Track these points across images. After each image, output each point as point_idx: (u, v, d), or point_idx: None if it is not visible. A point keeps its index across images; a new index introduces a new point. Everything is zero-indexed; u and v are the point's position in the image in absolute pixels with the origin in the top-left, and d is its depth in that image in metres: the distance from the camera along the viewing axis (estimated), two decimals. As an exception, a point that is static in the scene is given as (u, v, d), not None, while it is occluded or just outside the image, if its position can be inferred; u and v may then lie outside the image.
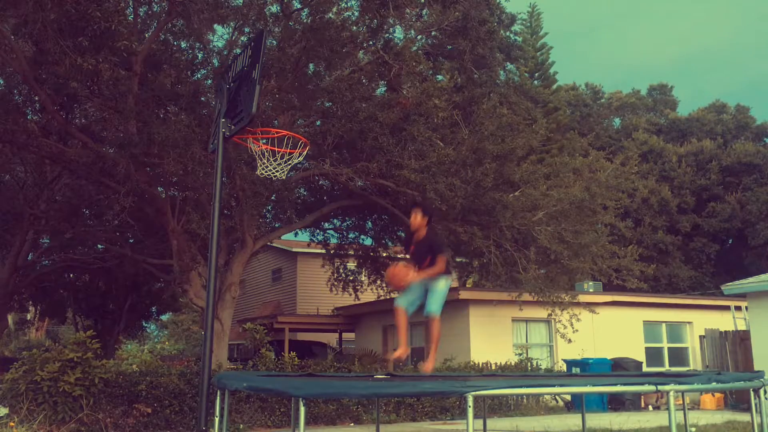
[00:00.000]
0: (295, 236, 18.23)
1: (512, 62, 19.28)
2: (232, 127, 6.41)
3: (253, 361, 12.57)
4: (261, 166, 6.73)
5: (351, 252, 18.25)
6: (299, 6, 12.29)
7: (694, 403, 15.73)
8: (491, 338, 16.93)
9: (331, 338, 25.48)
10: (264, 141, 6.65)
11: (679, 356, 19.26)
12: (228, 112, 6.53)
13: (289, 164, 6.77)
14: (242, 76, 6.47)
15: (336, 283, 18.29)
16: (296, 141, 6.78)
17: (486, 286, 18.88)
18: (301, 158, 6.86)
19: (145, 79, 11.34)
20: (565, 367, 16.00)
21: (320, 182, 16.19)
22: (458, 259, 17.83)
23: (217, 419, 6.19)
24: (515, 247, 13.95)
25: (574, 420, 11.62)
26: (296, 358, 12.37)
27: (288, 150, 6.64)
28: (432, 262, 6.41)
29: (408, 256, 6.79)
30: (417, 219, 6.63)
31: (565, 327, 15.17)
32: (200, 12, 10.38)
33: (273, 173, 6.74)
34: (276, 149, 6.59)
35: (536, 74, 35.99)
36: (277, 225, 16.25)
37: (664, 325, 19.31)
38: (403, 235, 6.87)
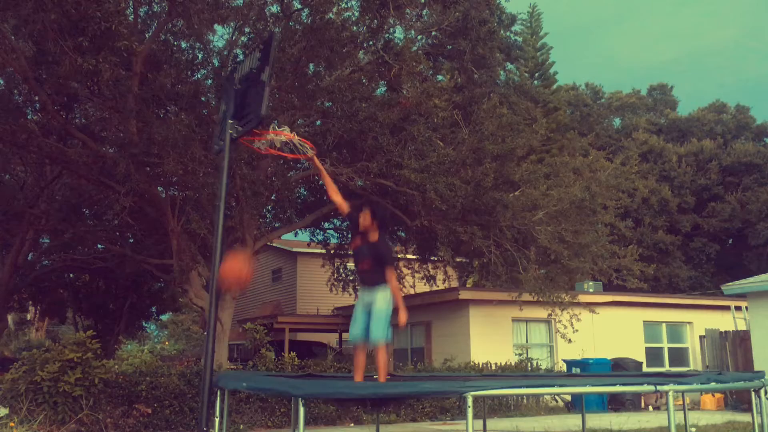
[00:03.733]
0: (295, 236, 18.23)
1: (512, 62, 19.27)
2: (240, 129, 6.39)
3: (253, 362, 12.58)
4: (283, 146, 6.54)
5: (351, 252, 18.23)
6: (299, 6, 12.29)
7: (694, 403, 15.74)
8: (491, 338, 16.93)
9: (331, 338, 25.48)
10: (268, 144, 6.61)
11: (679, 356, 19.26)
12: (235, 114, 6.50)
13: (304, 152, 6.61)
14: (250, 77, 6.46)
15: (336, 283, 18.29)
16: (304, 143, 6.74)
17: (486, 286, 18.89)
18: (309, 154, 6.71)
19: (145, 79, 11.33)
20: (565, 368, 16.00)
21: (320, 182, 16.18)
22: (458, 259, 17.84)
23: (217, 419, 6.19)
24: (515, 247, 13.95)
25: (574, 420, 11.63)
26: (296, 358, 12.38)
27: (295, 156, 6.61)
28: (373, 268, 5.95)
29: (351, 251, 6.26)
30: (366, 220, 6.07)
31: (565, 327, 15.17)
32: (200, 12, 10.37)
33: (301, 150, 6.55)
34: (283, 154, 6.56)
35: (536, 74, 36.00)
36: (277, 225, 16.25)
37: (664, 325, 19.31)
38: (351, 225, 6.10)
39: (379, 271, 5.97)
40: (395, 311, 5.91)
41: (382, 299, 5.86)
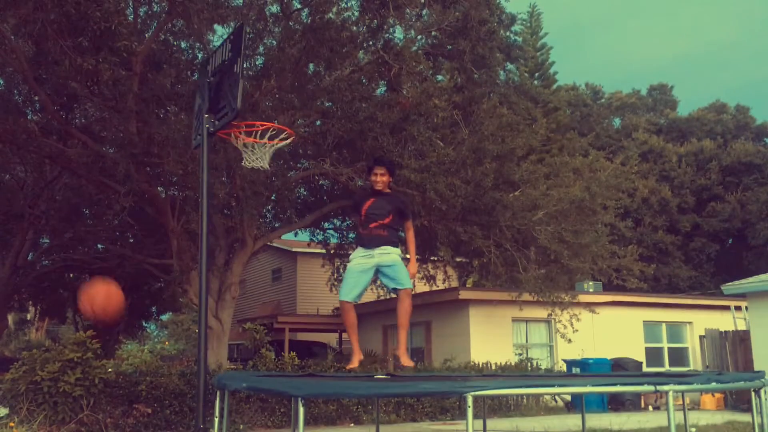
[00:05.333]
0: (295, 236, 18.23)
1: (512, 62, 19.27)
2: (216, 122, 6.37)
3: (253, 361, 12.56)
4: (246, 158, 6.70)
5: (351, 252, 18.24)
6: (299, 6, 12.29)
7: (694, 403, 15.73)
8: (491, 338, 16.93)
9: (331, 338, 25.48)
10: (250, 134, 6.63)
11: (679, 356, 19.25)
12: (211, 107, 6.47)
13: (272, 149, 6.69)
14: (223, 70, 6.41)
15: (336, 283, 18.28)
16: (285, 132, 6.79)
17: (486, 286, 18.89)
18: (284, 144, 6.78)
19: (145, 79, 11.33)
20: (565, 367, 16.00)
21: (320, 182, 16.20)
22: (458, 259, 17.84)
23: (216, 419, 6.18)
24: (515, 247, 13.95)
25: (574, 420, 11.62)
26: (296, 358, 12.37)
27: (275, 141, 6.64)
28: (392, 222, 5.85)
29: (361, 217, 6.01)
30: (385, 176, 5.94)
31: (565, 327, 15.17)
32: (200, 12, 10.36)
33: (258, 163, 6.68)
34: (260, 141, 6.57)
35: (536, 74, 36.02)
36: (277, 225, 16.25)
37: (664, 325, 19.30)
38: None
39: (395, 227, 5.92)
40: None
41: (396, 254, 5.87)
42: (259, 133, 6.55)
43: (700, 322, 18.95)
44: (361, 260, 5.91)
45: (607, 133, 40.03)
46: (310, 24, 11.61)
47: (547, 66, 36.13)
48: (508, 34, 17.09)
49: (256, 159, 6.58)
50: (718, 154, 36.65)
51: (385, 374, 8.52)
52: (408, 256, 6.35)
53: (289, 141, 6.69)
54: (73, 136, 12.82)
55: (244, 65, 7.83)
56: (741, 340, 16.25)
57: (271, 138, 6.58)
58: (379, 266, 5.87)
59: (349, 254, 19.36)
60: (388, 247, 5.87)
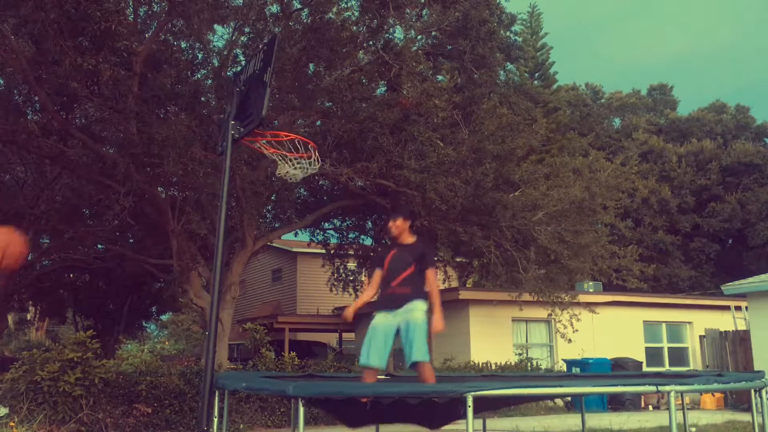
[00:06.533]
0: (295, 236, 18.23)
1: (512, 62, 19.32)
2: (242, 129, 6.42)
3: (253, 361, 12.56)
4: (280, 167, 6.68)
5: (351, 252, 18.25)
6: (299, 6, 12.29)
7: (694, 402, 15.73)
8: (491, 338, 16.93)
9: (331, 338, 25.48)
10: (269, 143, 6.65)
11: (679, 356, 19.26)
12: (237, 115, 6.53)
13: (308, 168, 6.70)
14: (253, 79, 6.49)
15: (336, 283, 18.29)
16: (304, 143, 6.79)
17: (486, 286, 18.87)
18: (317, 165, 6.78)
19: (145, 79, 11.33)
20: (565, 367, 15.99)
21: (320, 182, 16.19)
22: (458, 259, 17.84)
23: (216, 419, 6.18)
24: (515, 247, 13.95)
25: (574, 420, 11.62)
26: (296, 358, 12.36)
27: (302, 155, 6.65)
28: (416, 274, 5.53)
29: (383, 269, 5.68)
30: (397, 224, 5.72)
31: (565, 327, 15.17)
32: (200, 12, 10.36)
33: (293, 175, 6.67)
34: (287, 153, 6.59)
35: (536, 74, 35.97)
36: (277, 225, 16.25)
37: (664, 325, 19.31)
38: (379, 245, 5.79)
39: (420, 278, 5.56)
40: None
41: (421, 311, 5.48)
42: (286, 150, 6.56)
43: (700, 322, 18.95)
44: (384, 318, 5.56)
45: (607, 133, 40.02)
46: (310, 24, 11.61)
47: (547, 66, 36.08)
48: (508, 34, 17.13)
49: (292, 169, 6.56)
50: (718, 154, 36.62)
51: (385, 374, 8.53)
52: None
53: (317, 168, 6.67)
54: (73, 136, 12.81)
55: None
56: (741, 340, 16.25)
57: (297, 150, 6.60)
58: (400, 327, 5.50)
59: (350, 254, 19.27)
60: (415, 303, 5.50)
